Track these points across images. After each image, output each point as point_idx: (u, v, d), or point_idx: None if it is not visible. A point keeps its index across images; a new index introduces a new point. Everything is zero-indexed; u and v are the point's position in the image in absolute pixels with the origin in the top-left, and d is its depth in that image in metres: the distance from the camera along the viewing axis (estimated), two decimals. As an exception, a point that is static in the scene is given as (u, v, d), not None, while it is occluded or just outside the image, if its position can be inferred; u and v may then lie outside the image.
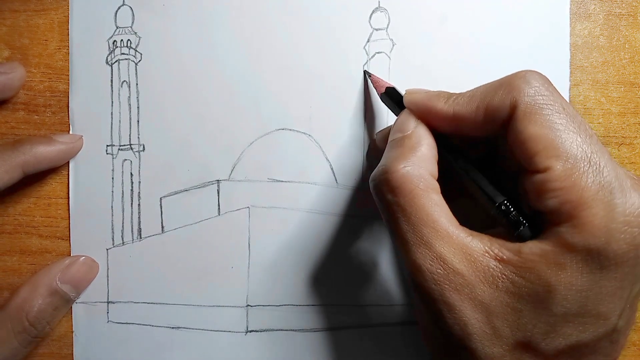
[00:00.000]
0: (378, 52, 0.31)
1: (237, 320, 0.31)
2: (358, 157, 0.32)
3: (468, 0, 0.32)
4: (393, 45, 0.32)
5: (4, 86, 0.30)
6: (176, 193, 0.32)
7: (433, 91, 0.26)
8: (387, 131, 0.29)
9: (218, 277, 0.31)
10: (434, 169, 0.24)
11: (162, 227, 0.32)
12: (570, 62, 0.32)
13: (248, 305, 0.31)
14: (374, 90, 0.31)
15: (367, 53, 0.32)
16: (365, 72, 0.31)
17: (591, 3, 0.32)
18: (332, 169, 0.32)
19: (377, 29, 0.32)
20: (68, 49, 0.31)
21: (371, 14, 0.32)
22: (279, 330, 0.31)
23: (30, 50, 0.31)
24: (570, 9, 0.32)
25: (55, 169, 0.31)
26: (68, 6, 0.31)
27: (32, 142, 0.29)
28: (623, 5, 0.32)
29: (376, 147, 0.31)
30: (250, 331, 0.31)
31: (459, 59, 0.32)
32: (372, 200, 0.31)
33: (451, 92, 0.25)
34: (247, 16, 0.32)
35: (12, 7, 0.31)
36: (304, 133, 0.32)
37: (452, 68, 0.31)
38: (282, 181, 0.32)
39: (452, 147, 0.25)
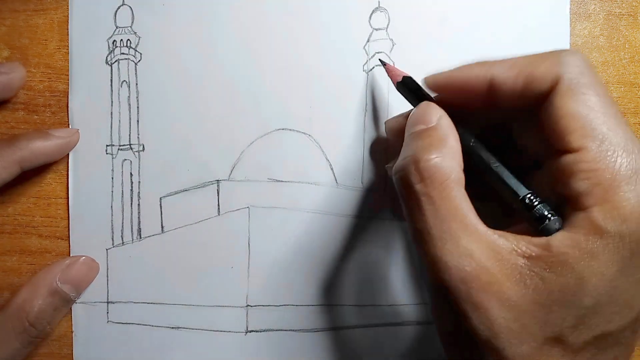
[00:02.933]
0: (378, 52, 0.31)
1: (237, 320, 0.31)
2: (358, 157, 0.32)
3: (468, 0, 0.32)
4: (393, 45, 0.32)
5: (4, 86, 0.30)
6: (176, 193, 0.32)
7: (459, 66, 0.25)
8: (399, 120, 0.28)
9: (218, 277, 0.31)
10: (461, 163, 0.23)
11: (162, 227, 0.32)
12: (570, 62, 0.32)
13: (248, 305, 0.31)
14: (379, 86, 0.31)
15: (367, 53, 0.32)
16: (380, 60, 0.30)
17: (591, 3, 0.32)
18: (332, 169, 0.32)
19: (377, 29, 0.32)
20: (68, 49, 0.31)
21: (371, 14, 0.32)
22: (279, 330, 0.31)
23: (30, 50, 0.31)
24: (570, 9, 0.32)
25: (55, 169, 0.31)
26: (68, 6, 0.31)
27: (29, 138, 0.29)
28: (623, 5, 0.32)
29: (379, 143, 0.30)
30: (250, 331, 0.31)
31: (459, 59, 0.31)
32: (372, 200, 0.32)
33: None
34: (247, 16, 0.32)
35: (11, 7, 0.31)
36: (304, 133, 0.32)
37: (452, 68, 0.31)
38: (282, 181, 0.32)
39: (474, 139, 0.25)
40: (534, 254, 0.21)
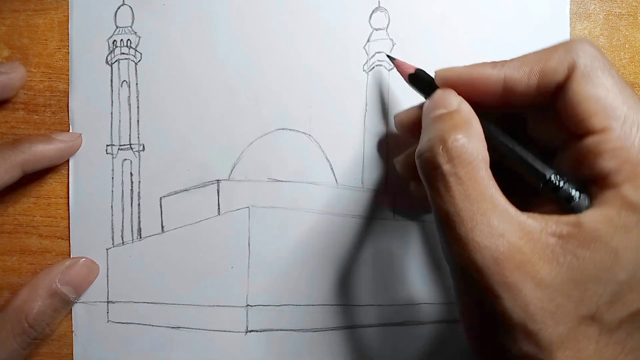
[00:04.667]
0: (378, 52, 0.31)
1: (237, 320, 0.31)
2: (358, 157, 0.32)
3: (468, 0, 0.32)
4: (393, 45, 0.32)
5: (4, 86, 0.30)
6: (176, 193, 0.32)
7: (471, 64, 0.25)
8: (411, 111, 0.28)
9: (218, 277, 0.31)
10: (486, 145, 0.23)
11: (162, 227, 0.32)
12: (570, 62, 0.32)
13: (248, 305, 0.31)
14: (380, 86, 0.31)
15: (367, 53, 0.32)
16: (388, 56, 0.30)
17: (591, 3, 0.32)
18: (332, 169, 0.32)
19: (377, 29, 0.32)
20: (68, 49, 0.31)
21: (371, 14, 0.32)
22: (279, 330, 0.31)
23: (30, 50, 0.31)
24: (570, 9, 0.32)
25: (55, 169, 0.31)
26: (68, 6, 0.31)
27: (31, 141, 0.29)
28: (623, 5, 0.32)
29: (379, 140, 0.30)
30: (250, 331, 0.31)
31: (459, 59, 0.31)
32: (372, 200, 0.32)
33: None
34: (247, 16, 0.32)
35: (12, 6, 0.31)
36: (304, 133, 0.32)
37: (460, 65, 0.31)
38: (282, 181, 0.32)
39: (494, 123, 0.25)
40: (565, 232, 0.21)
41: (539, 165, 0.23)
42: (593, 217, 0.21)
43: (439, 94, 0.25)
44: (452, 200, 0.22)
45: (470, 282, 0.22)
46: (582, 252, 0.21)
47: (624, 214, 0.21)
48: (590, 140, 0.22)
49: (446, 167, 0.22)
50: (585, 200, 0.22)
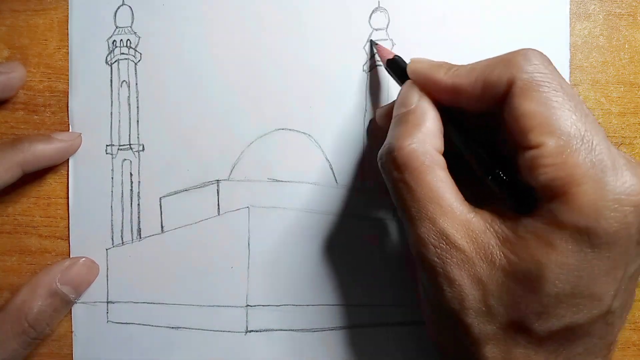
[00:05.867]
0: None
1: (237, 320, 0.31)
2: (358, 157, 0.32)
3: (468, 0, 0.32)
4: (393, 45, 0.32)
5: (4, 86, 0.30)
6: (176, 193, 0.32)
7: (436, 61, 0.26)
8: (388, 108, 0.29)
9: (218, 277, 0.31)
10: (439, 143, 0.24)
11: (162, 227, 0.32)
12: (570, 62, 0.32)
13: (248, 305, 0.31)
14: (379, 87, 0.31)
15: (367, 53, 0.32)
16: (371, 41, 0.31)
17: (591, 3, 0.32)
18: (332, 169, 0.32)
19: (377, 29, 0.32)
20: (68, 49, 0.31)
21: (371, 14, 0.32)
22: (279, 330, 0.31)
23: (30, 50, 0.31)
24: (570, 9, 0.32)
25: (55, 169, 0.31)
26: (68, 6, 0.31)
27: (31, 141, 0.29)
28: (623, 5, 0.32)
29: (376, 125, 0.30)
30: (250, 331, 0.31)
31: (459, 59, 0.31)
32: (372, 200, 0.32)
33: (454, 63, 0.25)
34: (247, 16, 0.32)
35: (11, 7, 0.31)
36: (304, 133, 0.32)
37: (436, 61, 0.31)
38: (282, 181, 0.32)
39: (454, 120, 0.25)
40: (503, 235, 0.22)
41: (486, 162, 0.24)
42: (526, 227, 0.22)
43: (404, 90, 0.26)
44: (404, 202, 0.24)
45: (423, 271, 0.24)
46: (513, 258, 0.22)
47: (549, 230, 0.21)
48: (528, 154, 0.22)
49: (395, 173, 0.24)
50: (520, 200, 0.23)
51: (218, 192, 0.31)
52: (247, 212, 0.31)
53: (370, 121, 0.32)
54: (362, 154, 0.32)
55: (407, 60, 0.27)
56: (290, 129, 0.32)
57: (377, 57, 0.31)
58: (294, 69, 0.32)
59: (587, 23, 0.32)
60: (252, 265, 0.31)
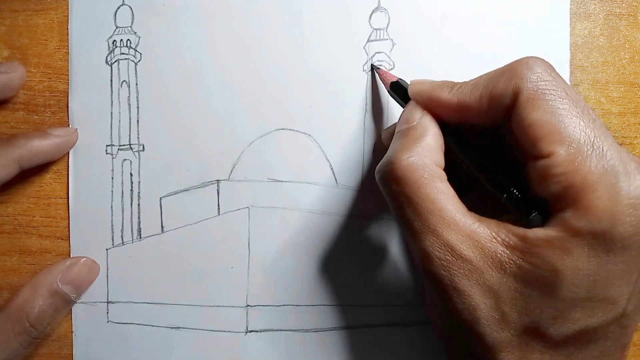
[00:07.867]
0: (378, 52, 0.31)
1: (237, 320, 0.31)
2: (358, 157, 0.32)
3: (468, 0, 0.32)
4: (393, 45, 0.32)
5: (4, 86, 0.30)
6: (176, 193, 0.32)
7: (437, 81, 0.26)
8: (393, 129, 0.29)
9: (218, 277, 0.31)
10: (439, 158, 0.24)
11: (162, 227, 0.32)
12: (570, 62, 0.32)
13: (248, 305, 0.31)
14: (379, 87, 0.31)
15: (367, 53, 0.32)
16: (372, 66, 0.31)
17: (591, 3, 0.32)
18: (332, 169, 0.32)
19: (377, 29, 0.32)
20: (68, 49, 0.31)
21: (371, 14, 0.32)
22: (279, 330, 0.31)
23: (30, 50, 0.31)
24: (570, 9, 0.32)
25: (55, 169, 0.31)
26: (67, 6, 0.31)
27: (27, 137, 0.29)
28: (623, 5, 0.32)
29: (382, 145, 0.30)
30: (250, 331, 0.31)
31: (459, 59, 0.32)
32: (372, 200, 0.32)
33: (455, 81, 0.25)
34: (247, 16, 0.32)
35: (11, 6, 0.31)
36: (304, 133, 0.32)
37: (452, 68, 0.31)
38: (282, 181, 0.32)
39: (459, 137, 0.25)
40: (512, 243, 0.22)
41: (498, 180, 0.24)
42: (536, 235, 0.22)
43: (406, 109, 0.27)
44: (405, 215, 0.23)
45: (430, 285, 0.23)
46: (524, 265, 0.22)
47: (565, 238, 0.21)
48: (539, 164, 0.22)
49: (394, 186, 0.24)
50: (538, 218, 0.23)
51: (218, 192, 0.31)
52: (247, 212, 0.31)
53: (375, 143, 0.32)
54: (362, 154, 0.32)
55: (408, 62, 0.28)
56: (290, 129, 0.32)
57: (378, 80, 0.31)
58: (294, 69, 0.31)
59: (587, 23, 0.32)
60: (252, 266, 0.31)
